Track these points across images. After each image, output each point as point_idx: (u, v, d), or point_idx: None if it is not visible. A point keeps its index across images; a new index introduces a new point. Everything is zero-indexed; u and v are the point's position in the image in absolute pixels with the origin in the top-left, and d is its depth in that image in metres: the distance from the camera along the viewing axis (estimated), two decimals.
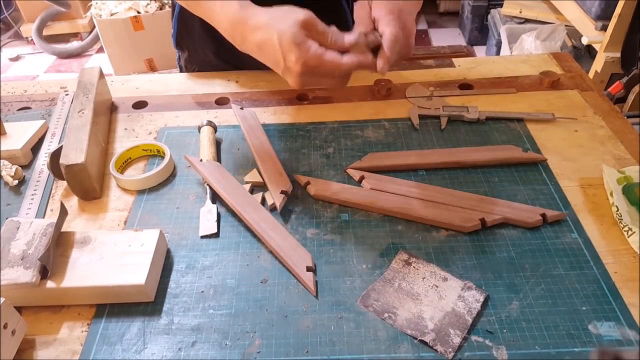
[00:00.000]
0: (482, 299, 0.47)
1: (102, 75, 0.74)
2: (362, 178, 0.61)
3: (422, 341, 0.44)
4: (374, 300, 0.47)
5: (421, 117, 0.71)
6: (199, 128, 0.69)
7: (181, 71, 0.89)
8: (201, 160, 0.62)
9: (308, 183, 0.60)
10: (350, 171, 0.63)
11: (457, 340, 0.44)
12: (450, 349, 0.44)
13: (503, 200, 0.57)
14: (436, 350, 0.44)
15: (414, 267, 0.51)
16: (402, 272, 0.50)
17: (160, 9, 2.25)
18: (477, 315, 0.46)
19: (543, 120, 0.70)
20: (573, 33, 1.88)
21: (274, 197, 0.57)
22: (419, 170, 0.62)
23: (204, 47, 0.83)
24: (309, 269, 0.50)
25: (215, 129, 0.69)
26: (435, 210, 0.55)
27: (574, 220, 0.55)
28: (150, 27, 2.24)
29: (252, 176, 0.62)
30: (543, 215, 0.54)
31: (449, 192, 0.59)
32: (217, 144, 0.68)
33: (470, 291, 0.48)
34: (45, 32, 2.71)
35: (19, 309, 0.47)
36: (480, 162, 0.63)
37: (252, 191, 0.60)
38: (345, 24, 0.88)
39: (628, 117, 1.36)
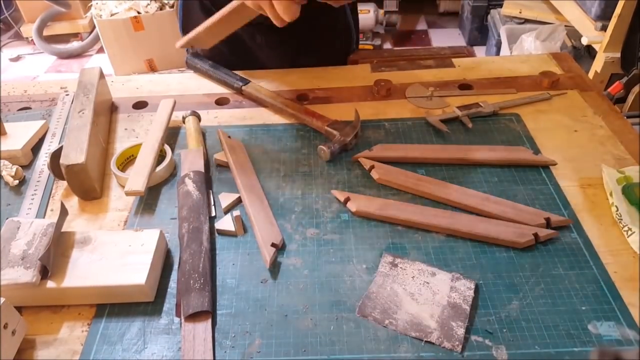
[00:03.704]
0: (473, 287, 0.48)
1: (102, 75, 0.75)
2: (372, 167, 0.62)
3: (428, 342, 0.44)
4: (371, 309, 0.47)
5: (442, 121, 0.69)
6: (184, 118, 0.70)
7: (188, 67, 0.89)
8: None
9: (348, 199, 0.58)
10: (362, 160, 0.63)
11: (461, 331, 0.44)
12: (457, 342, 0.44)
13: (508, 201, 0.57)
14: (444, 348, 0.44)
15: (401, 267, 0.51)
16: (391, 274, 0.50)
17: (161, 9, 2.25)
18: (473, 302, 0.47)
19: (540, 102, 0.72)
20: (573, 33, 1.88)
21: (265, 252, 0.52)
22: (418, 169, 0.63)
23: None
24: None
25: (199, 118, 0.71)
26: (486, 225, 0.54)
27: (573, 220, 0.55)
28: (150, 28, 2.24)
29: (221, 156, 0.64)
30: (547, 219, 0.54)
31: (456, 188, 0.59)
32: (202, 133, 0.69)
33: (460, 281, 0.49)
34: (46, 33, 2.71)
35: (19, 309, 0.47)
36: (489, 161, 0.63)
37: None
38: (347, 26, 0.89)
39: (628, 117, 1.36)
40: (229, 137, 0.67)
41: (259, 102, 0.76)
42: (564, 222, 0.54)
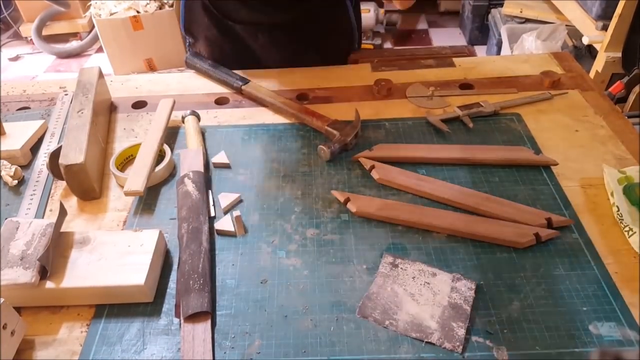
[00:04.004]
0: (474, 287, 0.48)
1: (101, 75, 0.74)
2: (372, 167, 0.62)
3: (429, 342, 0.44)
4: (372, 309, 0.47)
5: (443, 120, 0.69)
6: (183, 118, 0.70)
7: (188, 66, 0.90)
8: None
9: (348, 200, 0.57)
10: (362, 160, 0.63)
11: (461, 332, 0.44)
12: (458, 343, 0.44)
13: (509, 201, 0.57)
14: (445, 348, 0.43)
15: (401, 268, 0.51)
16: (391, 275, 0.50)
17: (160, 8, 2.24)
18: (474, 303, 0.47)
19: (541, 102, 0.72)
20: (574, 33, 1.87)
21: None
22: (419, 169, 0.62)
23: (207, 35, 0.85)
24: None
25: (198, 118, 0.70)
26: (486, 225, 0.53)
27: (574, 220, 0.55)
28: (149, 27, 2.23)
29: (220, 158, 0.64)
30: (548, 219, 0.54)
31: (457, 188, 0.59)
32: (202, 133, 0.69)
33: (461, 281, 0.49)
34: (45, 32, 2.70)
35: (19, 309, 0.46)
36: (490, 160, 0.62)
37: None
38: (349, 25, 0.88)
39: (629, 117, 1.36)
40: None
41: (258, 102, 0.76)
42: (565, 222, 0.54)
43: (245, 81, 0.77)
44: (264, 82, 0.79)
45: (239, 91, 0.77)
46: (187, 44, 0.91)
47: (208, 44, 0.87)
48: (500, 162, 0.62)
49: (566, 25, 1.91)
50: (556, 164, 0.62)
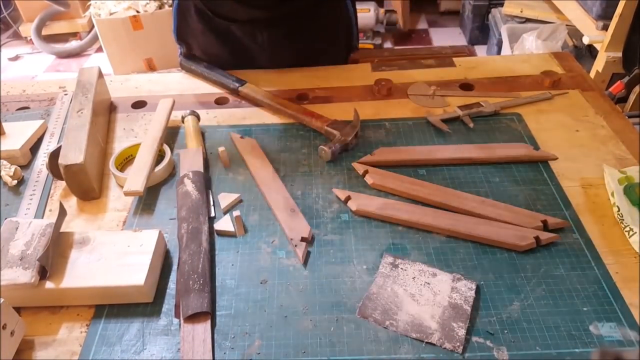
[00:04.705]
0: (474, 287, 0.48)
1: (101, 74, 0.74)
2: (365, 172, 0.61)
3: (429, 343, 0.44)
4: (372, 310, 0.47)
5: (443, 120, 0.69)
6: (183, 118, 0.70)
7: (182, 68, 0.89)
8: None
9: (349, 198, 0.58)
10: (355, 165, 0.63)
11: (462, 332, 0.44)
12: (458, 343, 0.44)
13: (504, 204, 0.57)
14: (445, 349, 0.43)
15: (401, 268, 0.50)
16: (391, 275, 0.50)
17: (160, 8, 2.24)
18: (474, 303, 0.47)
19: (541, 101, 0.72)
20: (574, 33, 1.87)
21: (297, 249, 0.52)
22: (419, 169, 0.62)
23: (202, 40, 0.83)
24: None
25: (198, 118, 0.70)
26: (487, 227, 0.53)
27: (575, 221, 0.55)
28: (149, 27, 2.23)
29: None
30: (544, 221, 0.54)
31: (451, 192, 0.58)
32: (202, 133, 0.69)
33: (461, 281, 0.49)
34: (44, 32, 2.70)
35: (18, 309, 0.46)
36: (490, 159, 0.62)
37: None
38: (349, 27, 0.88)
39: (629, 117, 1.36)
40: (242, 137, 0.68)
41: (256, 103, 0.75)
42: (561, 224, 0.54)
43: (242, 82, 0.76)
44: (263, 83, 0.79)
45: (235, 93, 0.77)
46: (180, 52, 0.89)
47: (203, 49, 0.85)
48: (500, 160, 0.62)
49: (566, 25, 1.91)
50: (556, 158, 0.62)
